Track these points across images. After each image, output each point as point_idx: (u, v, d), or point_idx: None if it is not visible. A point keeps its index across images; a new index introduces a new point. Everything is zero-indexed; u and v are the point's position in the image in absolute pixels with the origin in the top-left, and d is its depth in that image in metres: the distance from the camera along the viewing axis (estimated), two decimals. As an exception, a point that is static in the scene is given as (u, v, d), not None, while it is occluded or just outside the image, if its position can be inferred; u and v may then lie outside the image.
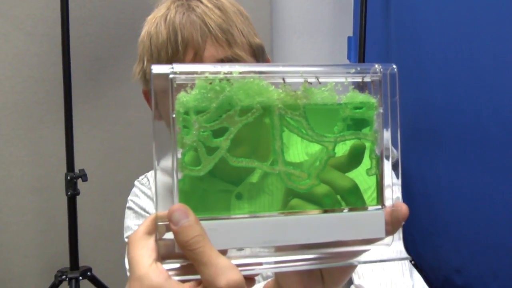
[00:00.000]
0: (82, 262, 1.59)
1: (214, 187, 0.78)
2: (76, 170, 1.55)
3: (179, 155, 0.44)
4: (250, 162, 0.45)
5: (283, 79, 0.45)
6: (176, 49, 0.79)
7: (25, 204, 1.73)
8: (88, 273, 1.58)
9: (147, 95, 0.94)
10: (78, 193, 1.54)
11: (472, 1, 1.32)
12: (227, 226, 0.44)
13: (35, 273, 1.75)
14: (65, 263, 1.58)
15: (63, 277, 1.54)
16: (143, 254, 0.44)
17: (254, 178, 0.74)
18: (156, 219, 0.44)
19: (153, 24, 0.83)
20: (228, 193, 0.80)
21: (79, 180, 1.54)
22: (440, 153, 1.46)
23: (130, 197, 1.02)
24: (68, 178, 1.51)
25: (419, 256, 1.52)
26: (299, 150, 0.79)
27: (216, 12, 0.82)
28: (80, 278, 1.55)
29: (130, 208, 1.01)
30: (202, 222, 0.43)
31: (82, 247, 1.60)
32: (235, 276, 0.42)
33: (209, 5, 0.83)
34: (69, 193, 1.52)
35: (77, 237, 1.56)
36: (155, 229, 0.45)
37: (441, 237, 1.48)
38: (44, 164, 1.74)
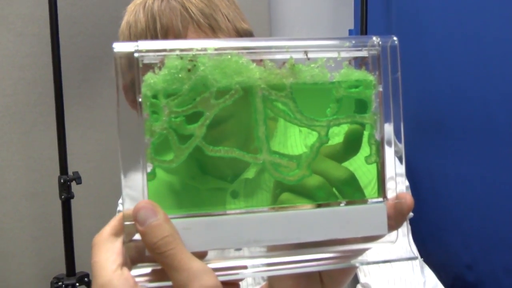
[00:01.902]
0: (79, 268, 1.54)
1: (205, 185, 0.73)
2: (70, 173, 1.50)
3: (148, 145, 0.38)
4: (229, 152, 0.39)
5: (261, 60, 0.39)
6: (156, 37, 0.75)
7: (20, 209, 1.69)
8: (85, 279, 1.53)
9: (126, 89, 0.89)
10: (72, 197, 1.49)
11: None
12: (203, 224, 0.38)
13: (31, 281, 1.71)
14: (62, 269, 1.54)
15: (60, 283, 1.49)
16: (107, 258, 0.39)
17: (250, 173, 0.69)
18: (123, 218, 0.38)
19: (132, 12, 0.79)
20: (222, 191, 0.75)
21: (74, 184, 1.49)
22: (447, 145, 1.41)
23: (120, 201, 0.97)
24: (62, 181, 1.47)
25: (428, 253, 1.48)
26: (297, 142, 0.73)
27: None
28: (77, 284, 1.51)
29: (120, 212, 0.96)
30: (175, 221, 0.38)
31: (79, 253, 1.55)
32: (210, 281, 0.36)
33: None
34: (63, 196, 1.47)
35: (72, 242, 1.51)
36: (122, 230, 0.40)
37: (450, 233, 1.44)
38: (39, 168, 1.69)
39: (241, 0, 0.84)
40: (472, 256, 1.36)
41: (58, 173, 1.49)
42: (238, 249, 0.42)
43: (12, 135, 1.66)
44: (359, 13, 1.69)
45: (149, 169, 0.38)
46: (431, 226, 1.48)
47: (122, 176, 0.38)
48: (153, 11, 0.75)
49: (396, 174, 0.42)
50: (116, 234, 0.41)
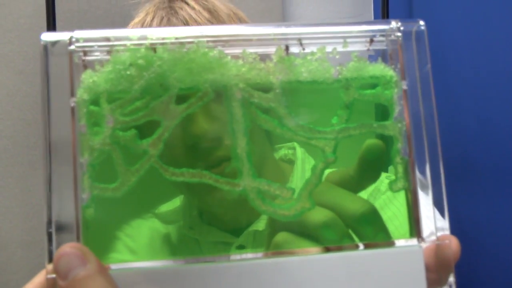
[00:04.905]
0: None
1: (206, 237, 0.62)
2: (67, 220, 1.40)
3: (84, 168, 0.28)
4: (196, 175, 0.28)
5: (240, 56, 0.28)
6: None
7: (16, 260, 1.59)
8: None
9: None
10: (68, 246, 1.38)
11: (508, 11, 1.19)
12: (161, 277, 0.27)
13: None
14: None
15: None
16: None
17: (261, 224, 0.57)
18: (46, 271, 0.27)
19: None
20: (226, 245, 0.64)
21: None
22: (477, 189, 1.30)
23: None
24: (57, 229, 1.36)
25: (459, 309, 1.35)
26: None
27: (205, 15, 0.68)
28: None
29: None
30: (116, 275, 0.27)
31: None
32: None
33: (196, 7, 0.69)
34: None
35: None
36: None
37: (484, 286, 1.31)
38: (37, 215, 1.60)
39: (254, 9, 0.75)
40: (509, 317, 1.23)
41: (55, 220, 1.40)
42: None
43: (9, 180, 1.59)
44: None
45: (84, 199, 0.28)
46: (461, 280, 1.35)
47: (51, 217, 0.28)
48: None
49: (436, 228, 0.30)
50: None
